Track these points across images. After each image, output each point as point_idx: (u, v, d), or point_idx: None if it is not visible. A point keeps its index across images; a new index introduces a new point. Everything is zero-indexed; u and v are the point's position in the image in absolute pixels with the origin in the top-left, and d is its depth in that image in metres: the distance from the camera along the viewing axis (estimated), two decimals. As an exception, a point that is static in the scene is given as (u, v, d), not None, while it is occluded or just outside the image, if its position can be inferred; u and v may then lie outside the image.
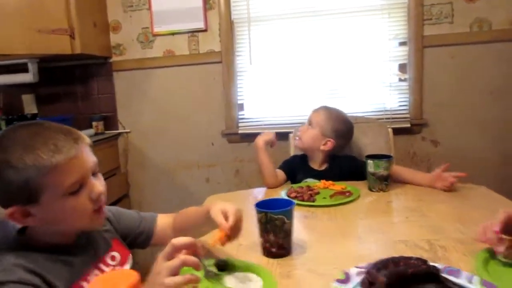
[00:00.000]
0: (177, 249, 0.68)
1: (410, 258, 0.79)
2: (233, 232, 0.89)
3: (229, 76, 2.64)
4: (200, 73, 2.68)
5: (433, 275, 0.74)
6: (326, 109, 1.78)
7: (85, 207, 0.82)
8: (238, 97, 2.71)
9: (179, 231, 1.06)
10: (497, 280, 0.78)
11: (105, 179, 0.90)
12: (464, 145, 2.53)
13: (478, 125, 2.50)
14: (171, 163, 2.79)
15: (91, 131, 2.62)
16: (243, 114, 2.74)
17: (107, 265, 0.93)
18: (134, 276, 0.37)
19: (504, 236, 0.88)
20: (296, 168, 1.79)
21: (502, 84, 2.45)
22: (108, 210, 0.99)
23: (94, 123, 2.64)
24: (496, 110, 2.48)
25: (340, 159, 1.76)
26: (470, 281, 0.78)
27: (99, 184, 0.85)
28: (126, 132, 2.78)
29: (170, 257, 0.67)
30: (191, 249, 0.70)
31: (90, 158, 0.84)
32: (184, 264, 0.67)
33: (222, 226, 0.87)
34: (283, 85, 2.64)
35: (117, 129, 2.77)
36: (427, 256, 0.92)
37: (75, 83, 2.76)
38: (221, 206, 0.92)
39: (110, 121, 2.75)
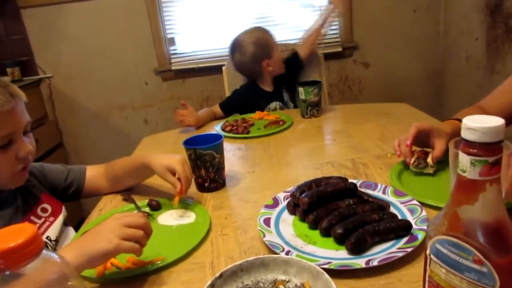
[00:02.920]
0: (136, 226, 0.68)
1: (330, 178, 0.84)
2: (186, 188, 0.89)
3: (153, 6, 2.45)
4: (119, 4, 2.46)
5: (350, 190, 0.80)
6: None
7: (10, 163, 0.81)
8: (167, 31, 2.55)
9: (112, 180, 1.05)
10: (408, 189, 0.87)
11: (34, 129, 0.90)
12: (392, 64, 2.64)
13: (403, 43, 2.61)
14: (103, 106, 2.65)
15: (7, 78, 2.36)
16: (175, 50, 2.61)
17: (39, 217, 0.92)
18: (31, 228, 0.35)
19: (415, 148, 0.96)
20: (253, 96, 1.78)
21: (423, 3, 2.54)
22: (32, 166, 0.95)
23: (8, 70, 2.39)
24: (419, 28, 2.58)
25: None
26: (384, 192, 0.86)
27: (28, 144, 0.83)
28: (48, 77, 2.56)
29: (127, 226, 0.67)
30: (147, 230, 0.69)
31: (24, 116, 0.83)
32: (140, 239, 0.66)
33: (177, 190, 0.87)
34: (214, 16, 2.51)
35: (37, 75, 2.54)
36: (350, 174, 1.00)
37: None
38: (164, 163, 0.90)
39: (27, 66, 2.50)
